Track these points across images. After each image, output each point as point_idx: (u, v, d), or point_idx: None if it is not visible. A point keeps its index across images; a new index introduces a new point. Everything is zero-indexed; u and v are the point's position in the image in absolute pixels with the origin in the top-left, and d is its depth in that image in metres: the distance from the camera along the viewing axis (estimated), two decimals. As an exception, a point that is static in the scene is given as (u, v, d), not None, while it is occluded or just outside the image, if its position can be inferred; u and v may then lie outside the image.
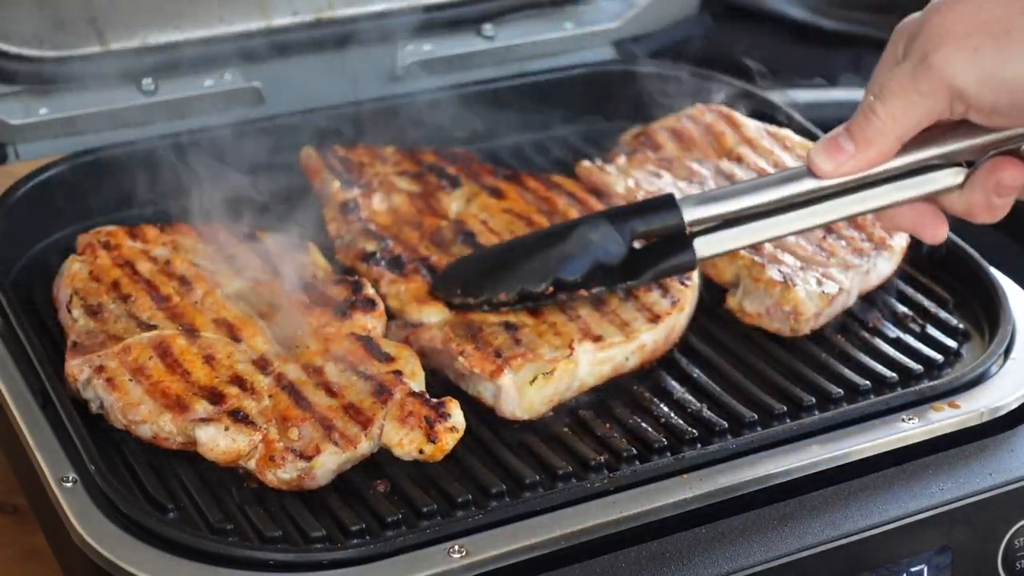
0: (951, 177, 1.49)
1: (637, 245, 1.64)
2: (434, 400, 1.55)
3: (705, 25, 2.23)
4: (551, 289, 1.65)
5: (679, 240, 1.61)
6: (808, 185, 1.52)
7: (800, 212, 1.55)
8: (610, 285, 1.66)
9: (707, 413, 1.62)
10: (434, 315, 1.68)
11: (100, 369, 1.57)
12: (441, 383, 1.65)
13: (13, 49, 1.88)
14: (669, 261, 1.63)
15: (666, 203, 1.60)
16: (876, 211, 1.54)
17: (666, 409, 1.63)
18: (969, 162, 1.49)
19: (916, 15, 1.45)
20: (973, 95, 1.39)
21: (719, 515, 1.50)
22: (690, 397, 1.65)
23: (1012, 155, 1.47)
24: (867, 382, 1.67)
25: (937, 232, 1.54)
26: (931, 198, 1.51)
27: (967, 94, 1.39)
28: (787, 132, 1.99)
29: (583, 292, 1.65)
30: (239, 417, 1.52)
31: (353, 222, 1.81)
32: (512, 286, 1.66)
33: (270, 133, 1.95)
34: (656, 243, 1.64)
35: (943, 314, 1.77)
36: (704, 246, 1.60)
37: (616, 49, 2.15)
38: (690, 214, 1.59)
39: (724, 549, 1.47)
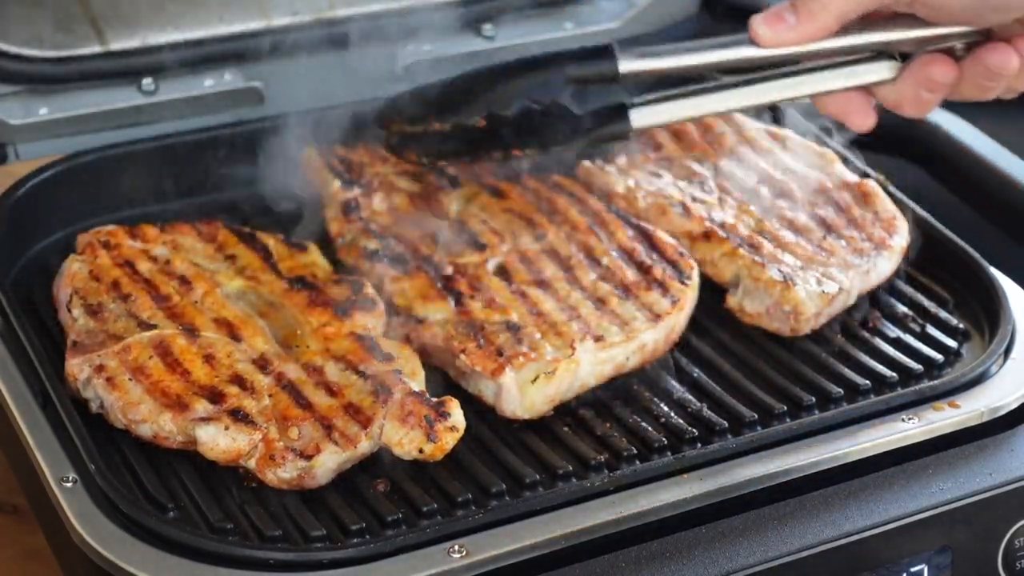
0: (885, 70, 1.54)
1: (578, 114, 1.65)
2: (434, 399, 1.55)
3: (705, 25, 2.23)
4: (483, 123, 1.65)
5: (616, 110, 1.62)
6: (745, 52, 1.54)
7: (735, 91, 1.58)
8: (544, 144, 1.67)
9: (707, 413, 1.62)
10: (437, 312, 1.68)
11: (100, 368, 1.57)
12: (442, 382, 1.65)
13: (13, 49, 1.88)
14: (605, 128, 1.64)
15: (603, 51, 1.61)
16: (810, 96, 1.57)
17: (666, 409, 1.63)
18: (903, 56, 1.52)
19: None
20: None
21: (719, 515, 1.50)
22: (690, 397, 1.65)
23: (946, 52, 1.51)
24: (867, 382, 1.67)
25: (865, 121, 1.58)
26: (865, 88, 1.55)
27: None
28: (787, 132, 1.99)
29: (517, 152, 1.67)
30: (239, 416, 1.52)
31: (354, 221, 1.81)
32: (446, 117, 1.67)
33: (270, 133, 1.95)
34: (593, 112, 1.64)
35: (943, 314, 1.77)
36: (640, 117, 1.62)
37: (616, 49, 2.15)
38: (625, 65, 1.59)
39: (724, 549, 1.47)
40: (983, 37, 1.51)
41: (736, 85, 1.58)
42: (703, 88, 1.59)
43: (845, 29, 1.50)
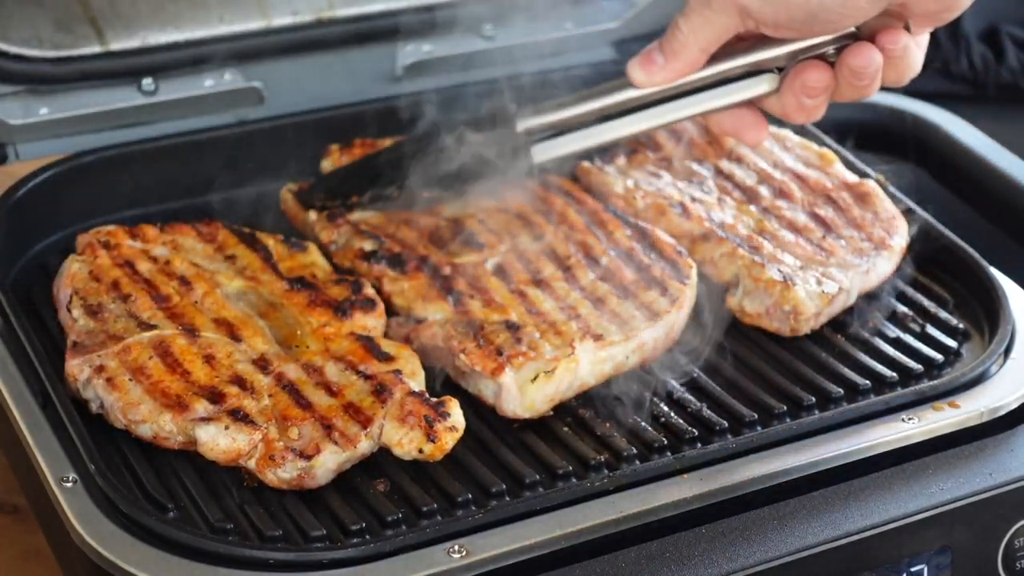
0: (766, 83, 1.61)
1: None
2: (434, 399, 1.55)
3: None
4: (397, 193, 1.81)
5: (518, 148, 1.71)
6: (630, 94, 1.64)
7: (629, 118, 1.66)
8: (455, 187, 1.79)
9: (707, 413, 1.62)
10: (436, 312, 1.68)
11: (100, 369, 1.57)
12: (442, 382, 1.65)
13: (13, 49, 1.88)
14: (510, 166, 1.73)
15: (501, 114, 1.72)
16: (700, 115, 1.65)
17: (666, 409, 1.63)
18: (781, 68, 1.60)
19: None
20: (756, 11, 1.52)
21: (719, 515, 1.50)
22: (690, 397, 1.65)
23: (818, 59, 1.58)
24: (867, 382, 1.67)
25: (758, 135, 1.66)
26: (751, 103, 1.63)
27: (750, 10, 1.52)
28: (787, 132, 1.99)
29: (425, 195, 1.81)
30: (239, 416, 1.52)
31: (342, 224, 1.81)
32: (363, 191, 1.82)
33: (270, 133, 1.95)
34: (499, 153, 1.73)
35: (943, 314, 1.77)
36: (540, 152, 1.71)
37: (616, 49, 2.15)
38: (523, 124, 1.70)
39: (724, 549, 1.47)
40: (851, 39, 1.57)
41: (629, 111, 1.66)
42: (600, 119, 1.68)
43: (717, 57, 1.59)
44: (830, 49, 1.57)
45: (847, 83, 1.58)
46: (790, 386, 1.66)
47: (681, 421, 1.61)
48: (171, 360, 1.58)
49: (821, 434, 1.58)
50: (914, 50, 1.57)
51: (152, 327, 1.62)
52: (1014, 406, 1.63)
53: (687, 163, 1.93)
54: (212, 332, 1.63)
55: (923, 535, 1.53)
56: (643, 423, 1.61)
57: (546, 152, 1.71)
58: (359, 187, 1.82)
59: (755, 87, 1.61)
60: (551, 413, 1.62)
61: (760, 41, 1.58)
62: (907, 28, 1.55)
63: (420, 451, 1.52)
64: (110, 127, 1.93)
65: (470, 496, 1.51)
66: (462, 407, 1.56)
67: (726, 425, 1.61)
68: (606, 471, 1.55)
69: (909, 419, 1.60)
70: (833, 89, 1.59)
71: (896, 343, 1.73)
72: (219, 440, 1.51)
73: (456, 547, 1.43)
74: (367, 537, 1.46)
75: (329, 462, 1.51)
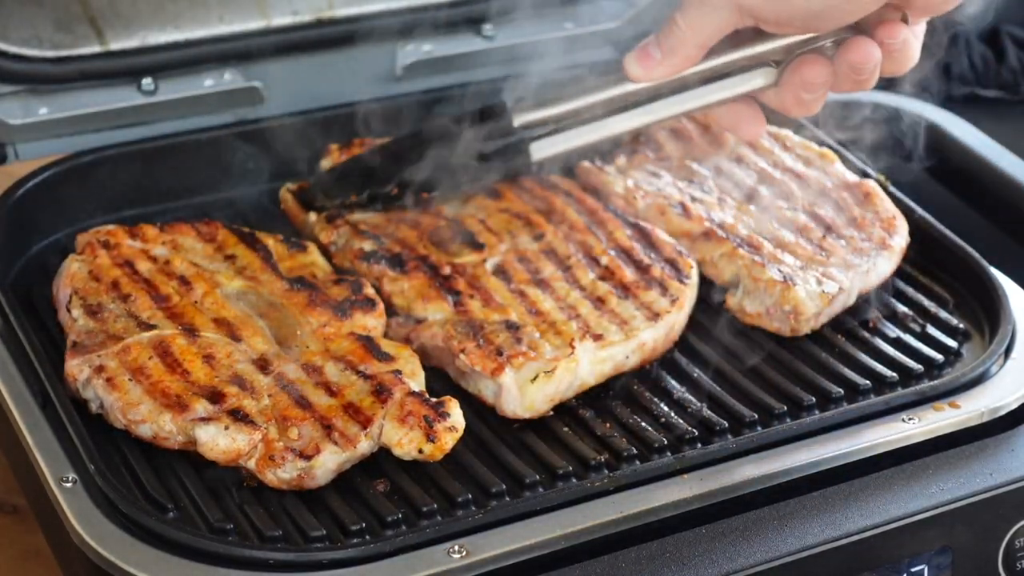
0: (764, 77, 1.61)
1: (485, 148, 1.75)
2: (433, 400, 1.55)
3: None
4: (396, 190, 1.81)
5: (517, 145, 1.72)
6: (628, 88, 1.64)
7: (627, 113, 1.67)
8: (454, 187, 1.80)
9: (707, 413, 1.62)
10: (436, 312, 1.68)
11: (100, 369, 1.57)
12: (442, 382, 1.65)
13: (13, 49, 1.88)
14: (509, 164, 1.74)
15: (498, 109, 1.72)
16: (697, 110, 1.65)
17: (666, 409, 1.63)
18: (778, 61, 1.60)
19: None
20: (755, 7, 1.53)
21: (719, 515, 1.50)
22: (690, 397, 1.65)
23: (817, 53, 1.58)
24: (867, 382, 1.67)
25: (755, 130, 1.66)
26: (750, 97, 1.63)
27: (750, 7, 1.53)
28: (787, 132, 1.99)
29: (425, 195, 1.82)
30: (239, 416, 1.52)
31: (341, 225, 1.81)
32: (361, 189, 1.82)
33: (269, 133, 1.95)
34: (497, 151, 1.73)
35: (943, 314, 1.77)
36: (539, 149, 1.71)
37: (616, 49, 2.15)
38: (520, 119, 1.70)
39: (724, 549, 1.47)
40: (849, 33, 1.57)
41: (627, 107, 1.66)
42: (597, 114, 1.68)
43: (714, 51, 1.58)
44: (828, 43, 1.57)
45: (846, 77, 1.58)
46: (790, 386, 1.66)
47: (681, 421, 1.61)
48: (171, 360, 1.58)
49: (821, 434, 1.58)
50: (912, 42, 1.57)
51: (152, 327, 1.62)
52: (1014, 406, 1.64)
53: (687, 163, 1.93)
54: (212, 332, 1.63)
55: (923, 535, 1.53)
56: (643, 423, 1.61)
57: (544, 149, 1.71)
58: (357, 185, 1.82)
59: (752, 81, 1.61)
60: (551, 413, 1.62)
61: (757, 35, 1.58)
62: (904, 20, 1.55)
63: (420, 451, 1.52)
64: (109, 127, 1.93)
65: (470, 496, 1.51)
66: (462, 407, 1.56)
67: (726, 425, 1.61)
68: (606, 471, 1.55)
69: (909, 419, 1.60)
70: (832, 83, 1.59)
71: (896, 343, 1.73)
72: (219, 440, 1.51)
73: (456, 547, 1.43)
74: (367, 537, 1.46)
75: (329, 462, 1.51)
